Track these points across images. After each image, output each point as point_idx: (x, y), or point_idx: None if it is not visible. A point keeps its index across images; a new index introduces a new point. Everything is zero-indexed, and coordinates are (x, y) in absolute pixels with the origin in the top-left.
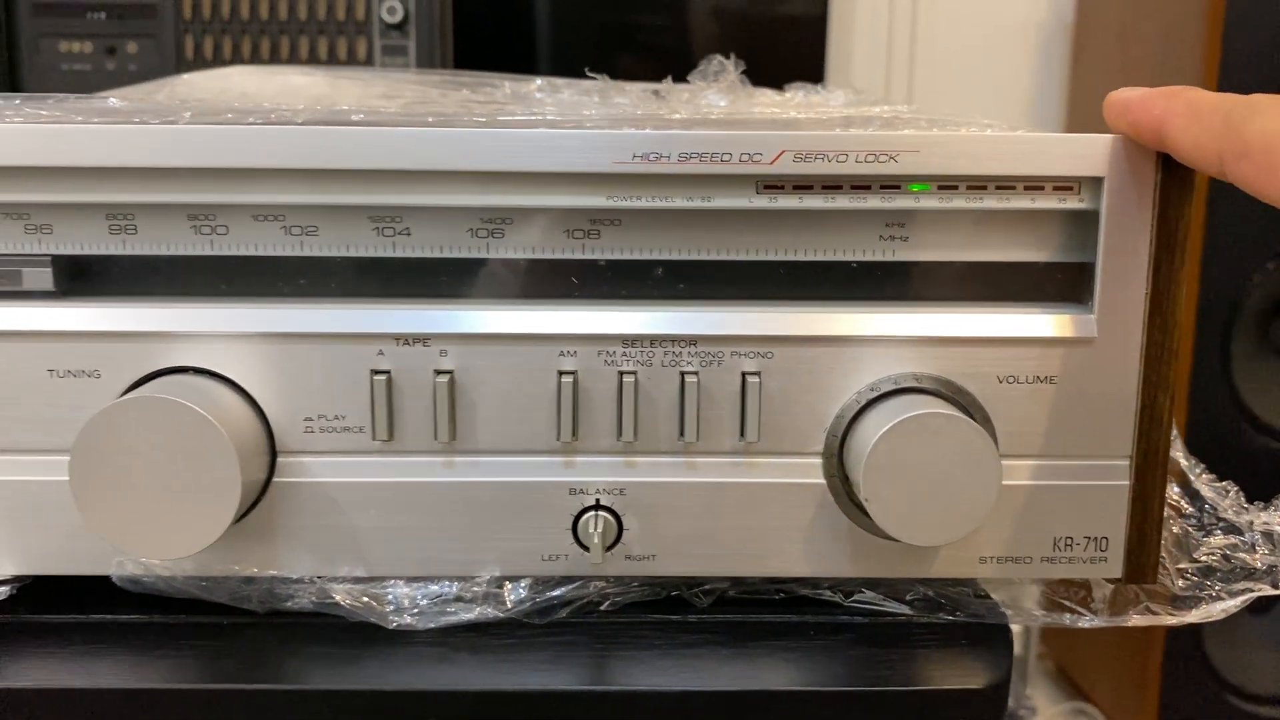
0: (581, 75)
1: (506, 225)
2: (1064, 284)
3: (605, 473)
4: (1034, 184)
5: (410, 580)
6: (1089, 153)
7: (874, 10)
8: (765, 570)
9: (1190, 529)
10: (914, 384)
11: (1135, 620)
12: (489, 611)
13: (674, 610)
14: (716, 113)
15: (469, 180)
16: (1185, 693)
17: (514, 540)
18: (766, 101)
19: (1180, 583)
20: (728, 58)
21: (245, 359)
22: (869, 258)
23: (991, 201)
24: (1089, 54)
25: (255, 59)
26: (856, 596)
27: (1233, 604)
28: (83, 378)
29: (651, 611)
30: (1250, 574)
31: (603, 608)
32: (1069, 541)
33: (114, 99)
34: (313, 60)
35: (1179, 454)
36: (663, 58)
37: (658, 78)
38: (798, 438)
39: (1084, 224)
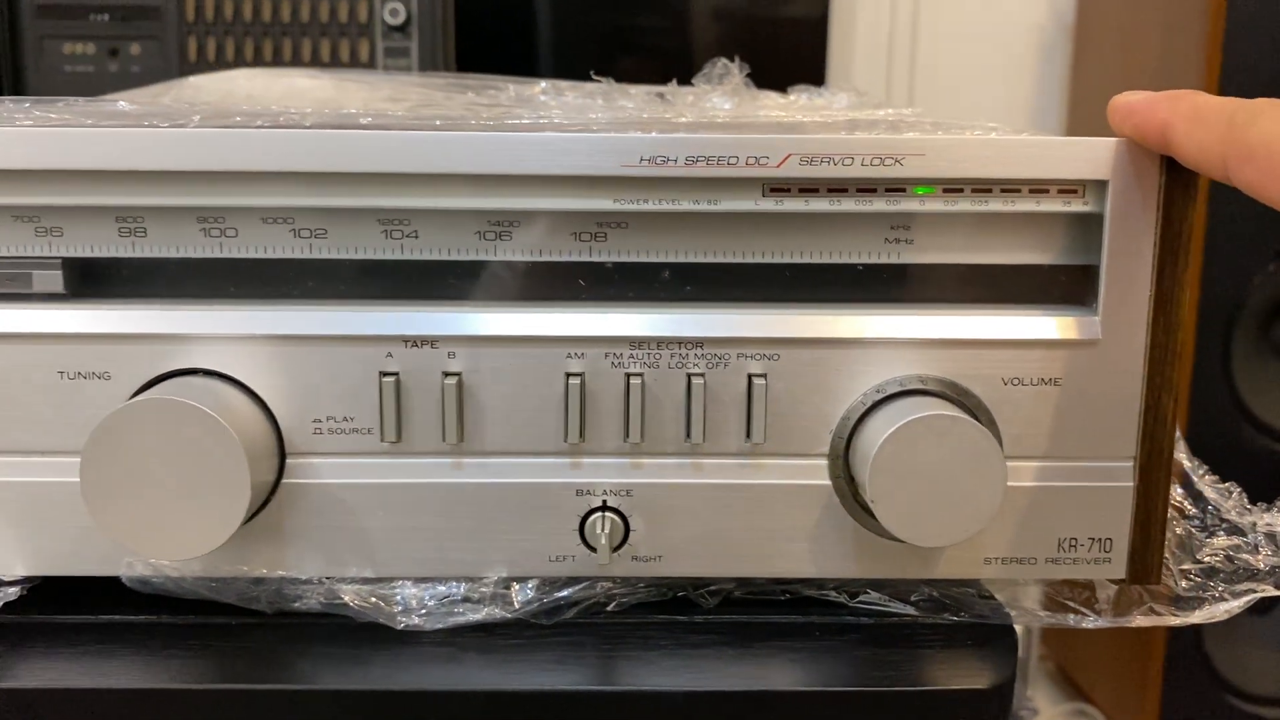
0: (582, 77)
1: (514, 228)
2: (1068, 286)
3: (612, 474)
4: (1039, 187)
5: (418, 581)
6: (1093, 156)
7: (875, 11)
8: (771, 571)
9: (1193, 530)
10: (919, 386)
11: (1139, 621)
12: (496, 612)
13: (680, 611)
14: (721, 116)
15: (477, 183)
16: (1186, 694)
17: (521, 541)
18: (771, 104)
19: (1184, 583)
20: (731, 60)
21: (254, 361)
22: (874, 260)
23: (996, 204)
24: (1090, 56)
25: (258, 61)
26: (862, 597)
27: (1236, 605)
28: (93, 379)
29: (658, 612)
30: (1253, 575)
31: (609, 608)
32: (1073, 542)
33: (123, 102)
34: (315, 62)
35: (1182, 455)
36: (663, 60)
37: (659, 79)
38: (804, 439)
39: (1088, 227)
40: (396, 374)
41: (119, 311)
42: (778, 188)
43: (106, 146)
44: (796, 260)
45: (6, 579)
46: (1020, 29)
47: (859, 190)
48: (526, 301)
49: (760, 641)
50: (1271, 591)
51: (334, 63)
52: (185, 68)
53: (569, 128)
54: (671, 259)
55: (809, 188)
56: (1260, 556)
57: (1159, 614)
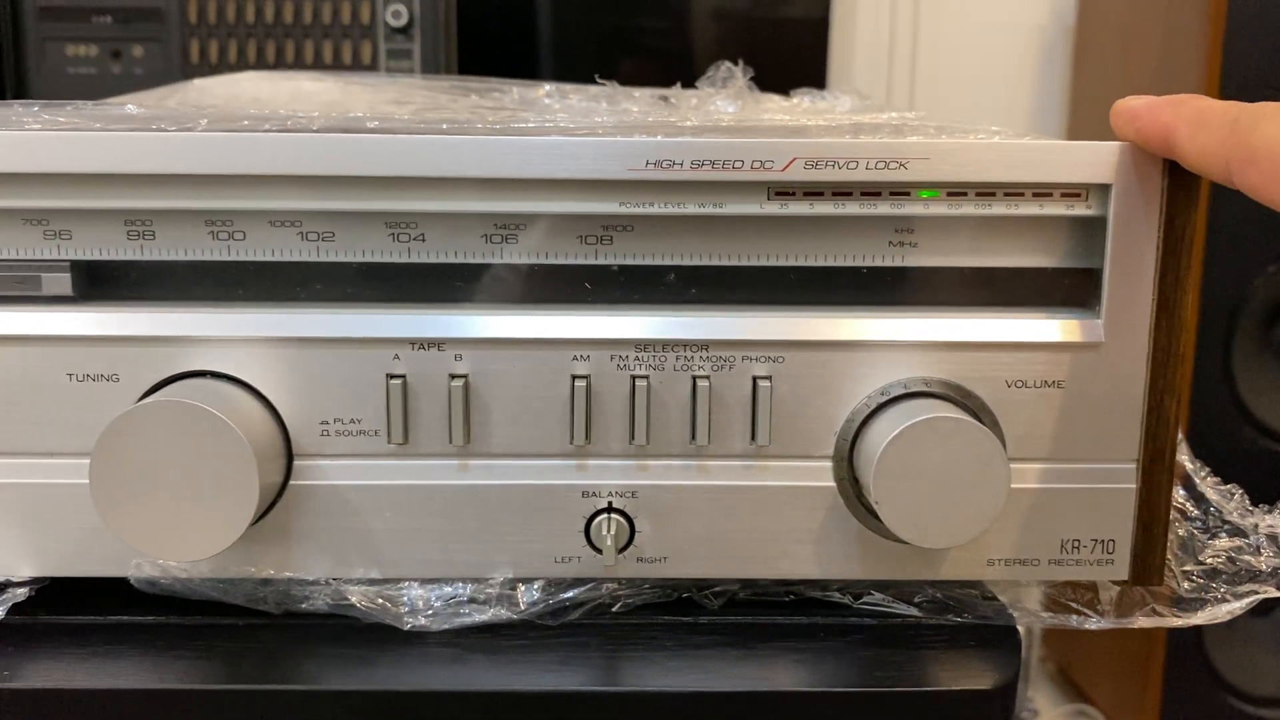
0: (584, 78)
1: (520, 231)
2: (1071, 289)
3: (618, 476)
4: (1042, 190)
5: (424, 582)
6: (1097, 160)
7: (876, 13)
8: (775, 572)
9: (1195, 531)
10: (923, 388)
11: (1141, 622)
12: (502, 613)
13: (685, 612)
14: (725, 119)
15: (483, 187)
16: (1187, 695)
17: (527, 542)
18: (774, 108)
19: (1186, 585)
20: (735, 63)
21: (262, 363)
22: (879, 263)
23: (1000, 208)
24: (1091, 57)
25: (260, 63)
26: (865, 598)
27: (1238, 606)
28: (101, 382)
29: (663, 613)
30: (1255, 576)
31: (614, 609)
32: (1076, 544)
33: (130, 105)
34: (317, 64)
35: (1184, 457)
36: (664, 61)
37: (660, 81)
38: (808, 441)
39: (1091, 230)
40: (403, 376)
41: (127, 314)
42: (782, 191)
43: (115, 150)
44: (801, 263)
45: (15, 580)
46: (1021, 30)
47: (863, 194)
48: (532, 304)
49: (764, 642)
50: (1273, 593)
51: (336, 65)
52: (188, 70)
53: (575, 131)
54: (677, 262)
55: (814, 191)
56: (1262, 558)
57: (1161, 615)
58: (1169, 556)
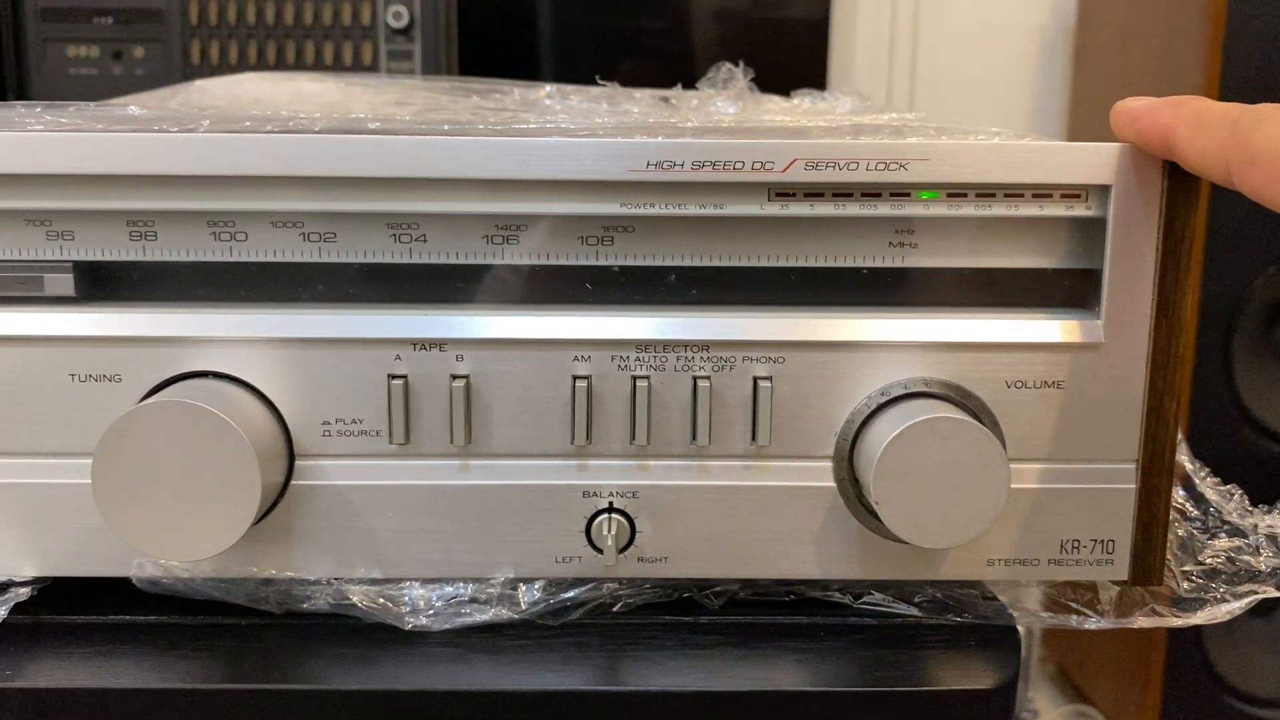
0: (584, 79)
1: (521, 231)
2: (1071, 290)
3: (618, 476)
4: (1042, 191)
5: (426, 582)
6: (1096, 161)
7: (876, 13)
8: (776, 572)
9: (1195, 532)
10: (923, 389)
11: (1141, 622)
12: (503, 613)
13: (686, 612)
14: (726, 120)
15: (484, 188)
16: (1187, 696)
17: (528, 542)
18: (775, 109)
19: (1185, 585)
20: (735, 64)
21: (264, 364)
22: (879, 264)
23: (1000, 209)
24: (1091, 58)
25: (261, 64)
26: (866, 598)
27: (1237, 606)
28: (104, 382)
29: (663, 613)
30: (1254, 576)
31: (615, 609)
32: (1076, 544)
33: (133, 106)
34: (318, 65)
35: (1184, 457)
36: (665, 62)
37: (660, 82)
38: (808, 441)
39: (1091, 231)
40: (405, 376)
41: (130, 315)
42: (783, 192)
43: (117, 151)
44: (801, 264)
45: (17, 580)
46: (1021, 31)
47: (864, 195)
48: (533, 304)
49: (765, 642)
50: (1273, 593)
51: (337, 66)
52: (188, 71)
53: (576, 133)
54: (677, 263)
55: (814, 192)
56: (1261, 558)
57: (1161, 615)
58: (1168, 557)
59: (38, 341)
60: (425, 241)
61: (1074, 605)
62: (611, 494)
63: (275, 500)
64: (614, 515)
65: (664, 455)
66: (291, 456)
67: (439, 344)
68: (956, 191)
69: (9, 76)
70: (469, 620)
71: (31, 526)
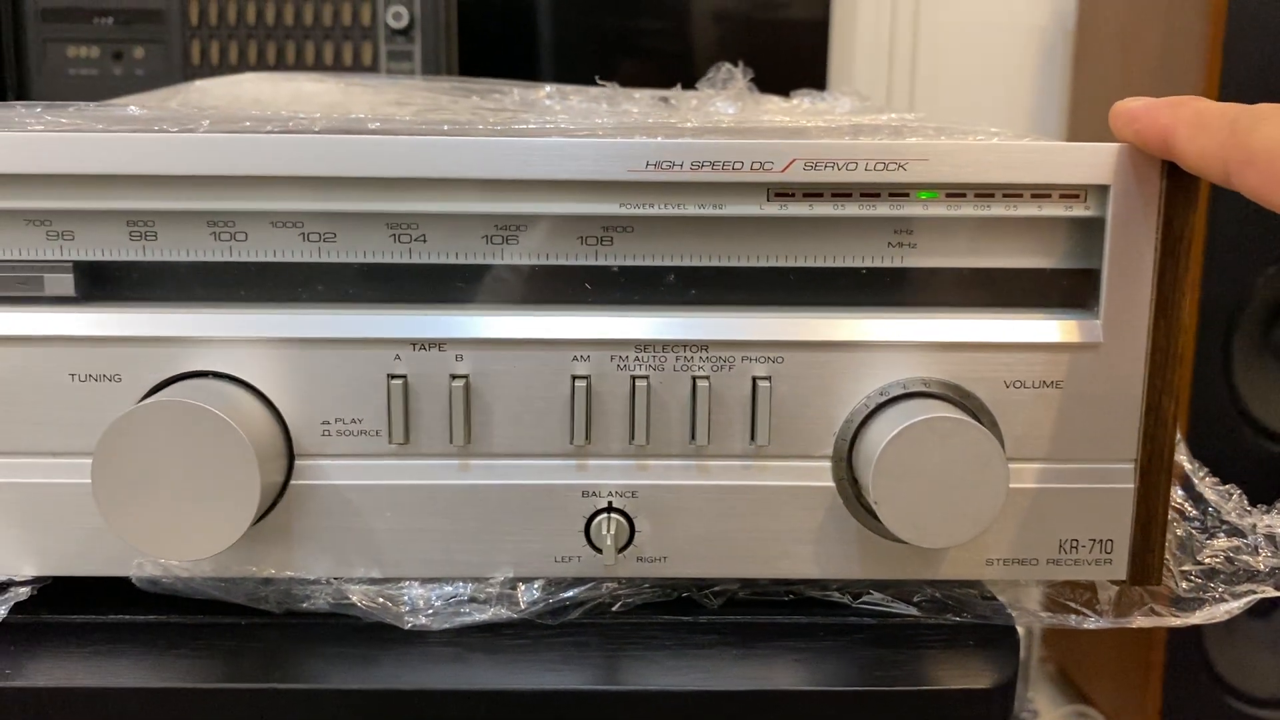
0: (584, 80)
1: (521, 232)
2: (1070, 290)
3: (618, 475)
4: (1041, 192)
5: (425, 581)
6: (1095, 161)
7: (876, 14)
8: (775, 572)
9: (1194, 531)
10: (922, 388)
11: (1140, 621)
12: (502, 612)
13: (685, 611)
14: (726, 121)
15: (484, 188)
16: (1187, 696)
17: (527, 542)
18: (774, 109)
19: (1184, 585)
20: (735, 64)
21: (264, 364)
22: (878, 264)
23: (999, 209)
24: (1091, 59)
25: (261, 64)
26: (865, 598)
27: (1236, 606)
28: (104, 382)
29: (662, 612)
30: (1253, 576)
31: (614, 609)
32: (1074, 544)
33: (133, 106)
34: (318, 65)
35: (1182, 457)
36: (664, 62)
37: (660, 83)
38: (807, 441)
39: (1090, 231)
40: (404, 376)
41: (129, 314)
42: (782, 192)
43: (117, 151)
44: (800, 264)
45: (17, 579)
46: (1021, 31)
47: (863, 195)
48: (533, 304)
49: (764, 642)
50: (1272, 593)
51: (337, 66)
52: (189, 71)
53: (575, 133)
54: (677, 263)
55: (813, 192)
56: (1260, 558)
57: (1159, 615)
58: (1167, 556)
59: (38, 341)
60: (425, 241)
61: (1073, 605)
62: (611, 494)
63: (275, 500)
64: (613, 515)
65: (663, 455)
66: (291, 456)
67: (438, 344)
68: (955, 192)
69: (9, 76)
70: (468, 620)
71: (31, 526)
